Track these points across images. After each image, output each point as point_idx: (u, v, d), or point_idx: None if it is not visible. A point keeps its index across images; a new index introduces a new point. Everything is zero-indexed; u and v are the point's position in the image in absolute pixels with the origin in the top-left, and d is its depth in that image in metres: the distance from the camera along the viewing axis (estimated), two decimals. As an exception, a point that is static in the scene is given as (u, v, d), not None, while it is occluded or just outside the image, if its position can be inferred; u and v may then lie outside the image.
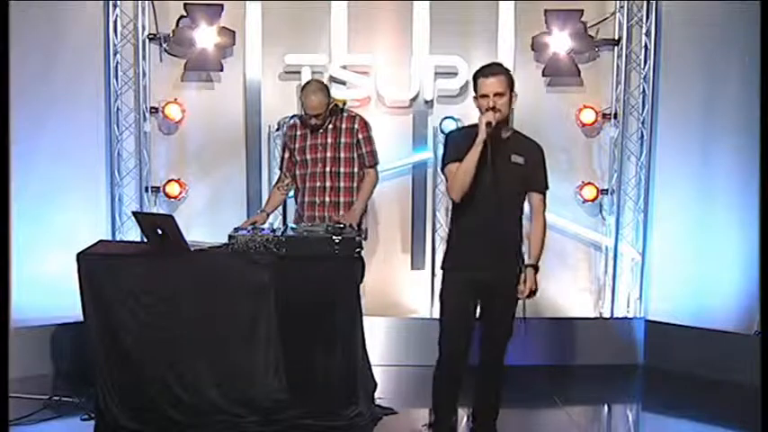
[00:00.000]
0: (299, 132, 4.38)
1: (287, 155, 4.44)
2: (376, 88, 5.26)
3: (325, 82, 4.74)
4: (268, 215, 4.44)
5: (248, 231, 3.96)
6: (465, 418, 3.86)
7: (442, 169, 3.53)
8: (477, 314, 3.52)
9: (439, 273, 3.61)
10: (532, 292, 3.46)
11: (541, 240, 3.50)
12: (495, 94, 3.34)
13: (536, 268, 3.46)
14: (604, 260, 5.44)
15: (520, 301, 3.52)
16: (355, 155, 4.34)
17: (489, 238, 3.39)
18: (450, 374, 3.53)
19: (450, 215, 3.63)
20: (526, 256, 3.48)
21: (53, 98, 4.97)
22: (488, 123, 3.29)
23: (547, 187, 3.53)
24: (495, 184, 3.35)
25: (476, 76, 3.42)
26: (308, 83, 4.41)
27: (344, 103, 4.64)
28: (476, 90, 3.42)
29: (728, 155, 5.09)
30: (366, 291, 4.10)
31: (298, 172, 4.38)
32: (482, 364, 3.57)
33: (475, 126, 3.42)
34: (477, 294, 3.47)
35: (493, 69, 3.41)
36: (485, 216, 3.38)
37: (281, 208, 4.61)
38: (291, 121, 4.50)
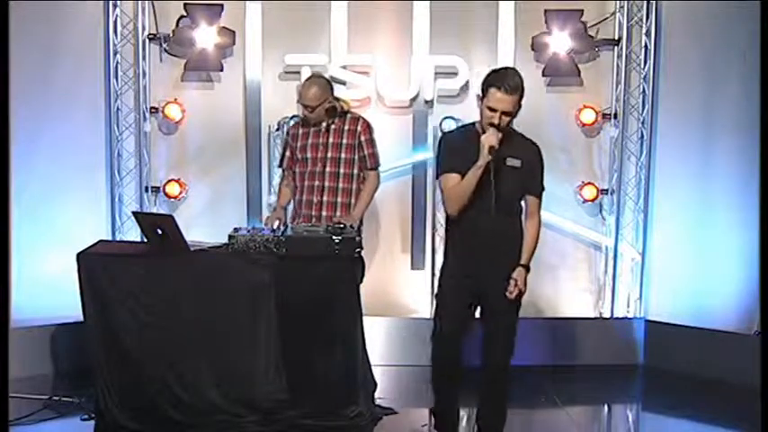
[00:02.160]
0: (300, 131, 4.39)
1: (288, 153, 4.44)
2: (376, 88, 5.25)
3: (326, 81, 4.74)
4: (285, 209, 4.46)
5: (248, 231, 3.96)
6: (466, 419, 3.87)
7: (437, 176, 3.44)
8: (478, 315, 3.50)
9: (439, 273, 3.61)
10: (521, 293, 3.37)
11: (534, 242, 3.42)
12: (504, 113, 3.23)
13: (527, 269, 3.38)
14: (604, 260, 5.44)
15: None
16: (356, 157, 4.34)
17: (487, 246, 3.33)
18: (446, 375, 3.52)
19: (445, 221, 3.55)
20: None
21: (53, 98, 4.97)
22: (491, 148, 3.21)
23: (543, 189, 3.44)
24: (492, 191, 3.28)
25: (490, 83, 3.24)
26: (311, 77, 4.45)
27: (349, 106, 4.64)
28: (484, 94, 3.27)
29: (728, 155, 5.09)
30: (366, 291, 4.09)
31: (297, 170, 4.38)
32: (487, 369, 3.51)
33: (473, 126, 3.39)
34: (474, 300, 3.43)
35: (511, 85, 3.20)
36: (481, 223, 3.33)
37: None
38: (294, 121, 4.52)
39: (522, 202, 3.46)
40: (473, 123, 3.41)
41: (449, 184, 3.35)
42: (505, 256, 3.38)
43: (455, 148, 3.37)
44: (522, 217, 3.47)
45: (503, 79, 3.23)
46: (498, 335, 3.46)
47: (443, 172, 3.38)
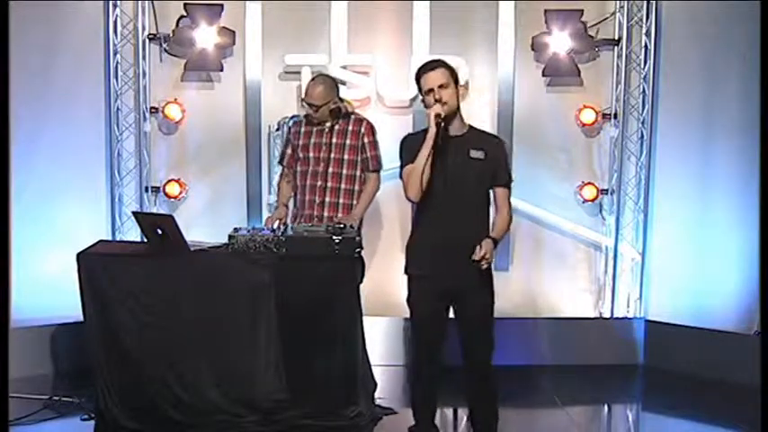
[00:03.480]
0: (303, 129, 4.39)
1: (289, 150, 4.45)
2: (376, 88, 5.26)
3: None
4: (286, 206, 4.47)
5: (248, 231, 3.97)
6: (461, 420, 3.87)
7: (400, 176, 3.43)
8: (453, 316, 3.47)
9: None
10: (484, 259, 3.24)
11: (506, 225, 3.41)
12: (440, 87, 3.29)
13: (495, 242, 3.30)
14: (604, 260, 5.44)
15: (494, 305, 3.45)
16: (358, 158, 4.35)
17: (451, 241, 3.30)
18: (426, 377, 3.52)
19: (411, 216, 3.53)
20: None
21: (53, 98, 4.98)
22: (438, 115, 3.24)
23: (510, 180, 3.44)
24: (454, 181, 3.29)
25: (417, 76, 3.37)
26: (317, 76, 4.47)
27: (353, 106, 4.64)
28: (420, 90, 3.37)
29: (728, 155, 5.09)
30: (366, 291, 4.09)
31: (299, 169, 4.39)
32: (468, 367, 3.48)
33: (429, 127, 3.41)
34: (446, 300, 3.42)
35: (432, 64, 3.37)
36: (445, 215, 3.32)
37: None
38: (294, 120, 4.52)
39: (491, 197, 3.44)
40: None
41: (407, 171, 3.35)
42: (469, 256, 3.29)
43: (413, 146, 3.36)
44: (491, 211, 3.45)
45: (423, 65, 3.40)
46: (476, 333, 3.44)
47: (403, 165, 3.39)
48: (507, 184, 3.44)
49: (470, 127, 3.44)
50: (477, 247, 3.25)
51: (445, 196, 3.32)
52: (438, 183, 3.30)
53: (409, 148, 3.38)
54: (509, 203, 3.45)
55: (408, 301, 3.53)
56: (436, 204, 3.34)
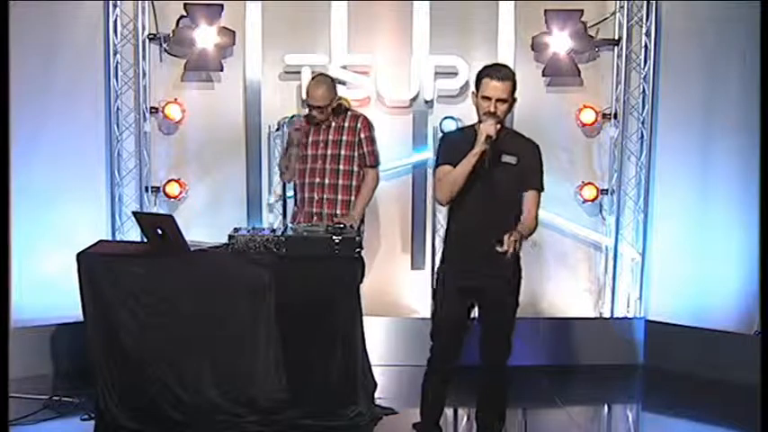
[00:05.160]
0: (302, 128, 4.41)
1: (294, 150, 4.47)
2: (376, 88, 5.25)
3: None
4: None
5: (248, 231, 3.97)
6: (466, 419, 3.87)
7: (434, 169, 3.44)
8: (475, 315, 3.47)
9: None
10: (514, 249, 3.09)
11: (532, 225, 3.32)
12: (498, 100, 3.24)
13: (521, 236, 3.19)
14: (604, 260, 5.44)
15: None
16: (356, 154, 4.36)
17: (480, 243, 3.25)
18: (440, 375, 3.51)
19: (447, 220, 3.54)
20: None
21: (53, 98, 4.97)
22: (488, 137, 3.20)
23: (541, 188, 3.38)
24: (486, 187, 3.27)
25: (482, 75, 3.29)
26: (318, 75, 4.47)
27: (349, 103, 4.65)
28: (477, 88, 3.31)
29: (728, 155, 5.09)
30: (366, 291, 4.09)
31: (298, 166, 4.40)
32: (484, 368, 3.49)
33: (472, 127, 3.38)
34: (470, 300, 3.42)
35: (502, 73, 3.27)
36: (476, 219, 3.31)
37: (280, 207, 4.61)
38: (296, 119, 4.53)
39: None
40: (473, 125, 3.41)
41: (441, 174, 3.35)
42: (498, 259, 3.20)
43: (454, 146, 3.36)
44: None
45: (495, 69, 3.32)
46: (496, 335, 3.44)
47: (439, 164, 3.38)
48: (538, 188, 3.38)
49: (506, 129, 3.37)
50: (506, 236, 3.11)
51: (475, 198, 3.30)
52: (471, 188, 3.27)
53: (451, 147, 3.36)
54: (537, 208, 3.38)
55: (434, 296, 3.52)
56: (467, 207, 3.33)
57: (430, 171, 5.31)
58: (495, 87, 3.24)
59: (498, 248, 3.09)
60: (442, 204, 3.39)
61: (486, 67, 3.34)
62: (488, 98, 3.25)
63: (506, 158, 3.32)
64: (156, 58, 5.25)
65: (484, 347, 3.46)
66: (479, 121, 3.32)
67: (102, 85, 5.18)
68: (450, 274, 3.42)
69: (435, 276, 3.54)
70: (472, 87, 3.43)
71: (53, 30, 4.98)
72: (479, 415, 3.60)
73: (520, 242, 3.14)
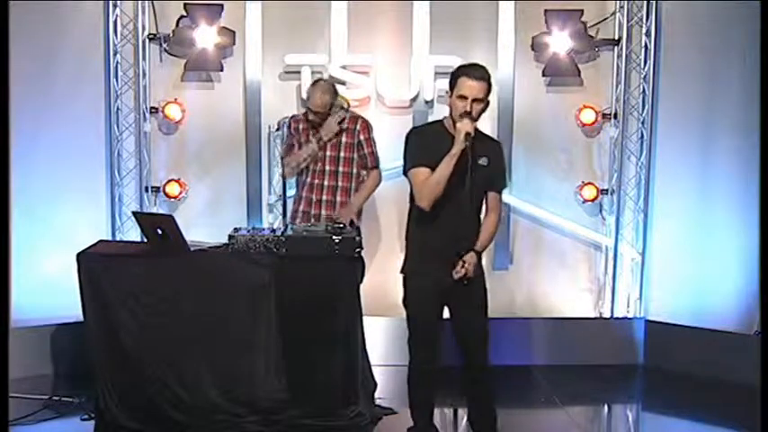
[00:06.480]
0: (302, 126, 4.45)
1: (294, 143, 4.47)
2: (376, 88, 5.25)
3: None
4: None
5: (248, 231, 3.97)
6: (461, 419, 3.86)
7: (405, 171, 3.38)
8: (448, 316, 3.47)
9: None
10: (466, 277, 3.28)
11: (492, 233, 3.42)
12: (474, 100, 3.22)
13: (479, 255, 3.34)
14: (604, 260, 5.44)
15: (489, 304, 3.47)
16: (355, 155, 4.37)
17: (453, 241, 3.29)
18: (423, 378, 3.53)
19: (408, 214, 3.51)
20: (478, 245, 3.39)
21: (53, 98, 4.97)
22: (468, 134, 3.18)
23: (505, 186, 3.47)
24: (458, 186, 3.26)
25: (458, 74, 3.26)
26: (319, 81, 4.49)
27: (348, 105, 4.65)
28: (452, 87, 3.27)
29: (728, 155, 5.09)
30: (366, 291, 4.09)
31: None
32: (466, 367, 3.50)
33: (440, 122, 3.36)
34: (442, 299, 3.41)
35: (479, 72, 3.25)
36: (449, 219, 3.30)
37: (280, 207, 4.61)
38: (296, 116, 4.53)
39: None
40: (440, 121, 3.40)
41: (420, 178, 3.31)
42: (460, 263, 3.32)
43: (425, 143, 3.34)
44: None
45: (471, 68, 3.29)
46: (473, 335, 3.45)
47: (413, 166, 3.34)
48: (501, 189, 3.45)
49: (476, 130, 3.37)
50: (460, 263, 3.26)
51: (448, 200, 3.30)
52: (449, 190, 3.27)
53: (420, 145, 3.34)
54: (500, 209, 3.46)
55: (404, 301, 3.51)
56: (441, 208, 3.32)
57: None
58: (471, 87, 3.22)
59: (454, 275, 3.24)
60: (425, 210, 3.33)
61: (461, 67, 3.32)
62: (464, 97, 3.23)
63: (481, 161, 3.32)
64: (155, 58, 5.25)
65: (462, 347, 3.46)
66: (452, 119, 3.30)
67: (102, 85, 5.18)
68: (419, 275, 3.43)
69: (402, 281, 3.50)
70: (446, 87, 3.40)
71: (53, 30, 4.98)
72: (471, 414, 3.62)
73: (474, 266, 3.28)
